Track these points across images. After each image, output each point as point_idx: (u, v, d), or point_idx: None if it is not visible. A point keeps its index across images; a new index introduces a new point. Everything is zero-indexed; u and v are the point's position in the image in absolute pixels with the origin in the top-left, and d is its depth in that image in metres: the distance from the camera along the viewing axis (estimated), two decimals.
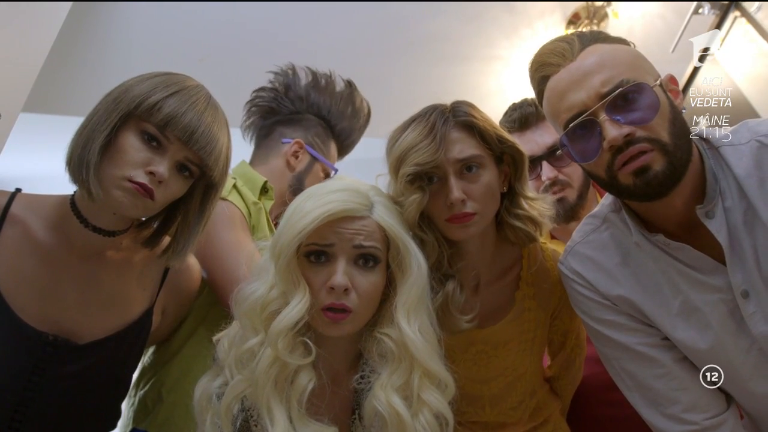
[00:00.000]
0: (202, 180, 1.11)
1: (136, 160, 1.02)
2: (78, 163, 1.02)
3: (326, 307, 0.96)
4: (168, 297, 1.23)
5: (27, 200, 1.11)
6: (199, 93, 1.08)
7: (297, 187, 1.62)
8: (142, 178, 1.02)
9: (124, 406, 1.41)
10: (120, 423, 1.37)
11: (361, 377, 1.03)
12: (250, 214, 1.44)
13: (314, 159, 1.67)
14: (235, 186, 1.45)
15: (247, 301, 0.99)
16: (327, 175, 1.69)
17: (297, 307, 0.95)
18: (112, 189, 1.02)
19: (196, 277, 1.28)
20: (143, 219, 1.17)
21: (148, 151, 1.03)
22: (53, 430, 1.08)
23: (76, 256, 1.10)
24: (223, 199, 1.39)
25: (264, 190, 1.54)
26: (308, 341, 0.97)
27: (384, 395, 0.96)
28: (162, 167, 1.02)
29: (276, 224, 1.64)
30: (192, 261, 1.27)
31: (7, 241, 1.07)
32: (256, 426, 1.00)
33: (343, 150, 1.80)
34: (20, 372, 1.04)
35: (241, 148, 1.66)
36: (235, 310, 1.01)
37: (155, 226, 1.17)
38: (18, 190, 1.12)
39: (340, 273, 0.96)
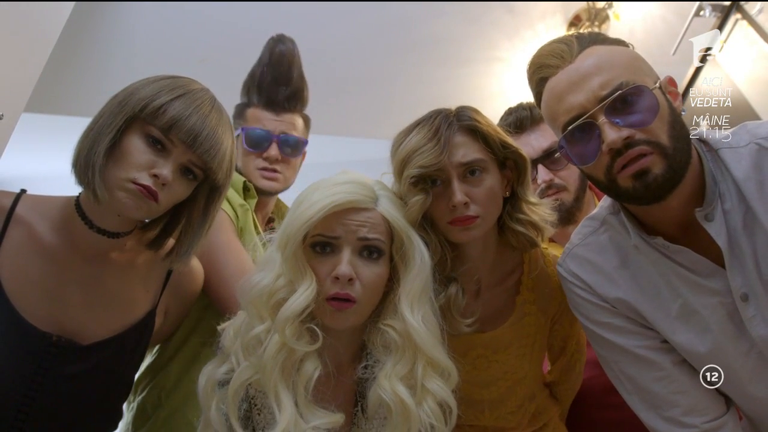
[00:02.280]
0: (206, 183, 1.11)
1: (141, 162, 1.03)
2: (84, 165, 1.03)
3: (331, 297, 0.98)
4: (171, 298, 1.23)
5: (32, 201, 1.12)
6: (204, 96, 1.09)
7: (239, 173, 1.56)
8: (146, 180, 1.02)
9: (123, 411, 1.41)
10: (120, 426, 1.37)
11: (365, 368, 1.05)
12: (237, 216, 1.44)
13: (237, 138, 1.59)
14: None
15: (253, 289, 1.00)
16: (251, 145, 1.56)
17: (304, 294, 0.97)
18: (116, 191, 1.02)
19: (199, 278, 1.28)
20: (147, 221, 1.17)
21: (153, 154, 1.04)
22: (56, 430, 1.09)
23: (80, 257, 1.11)
24: None
25: (245, 188, 1.54)
26: (315, 328, 0.99)
27: (388, 384, 0.98)
28: (166, 170, 1.03)
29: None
30: (195, 263, 1.27)
31: (12, 242, 1.08)
32: (259, 414, 1.02)
33: (274, 101, 1.58)
34: (24, 372, 1.04)
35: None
36: (241, 298, 1.03)
37: (159, 228, 1.18)
38: (23, 191, 1.13)
39: (345, 263, 0.98)
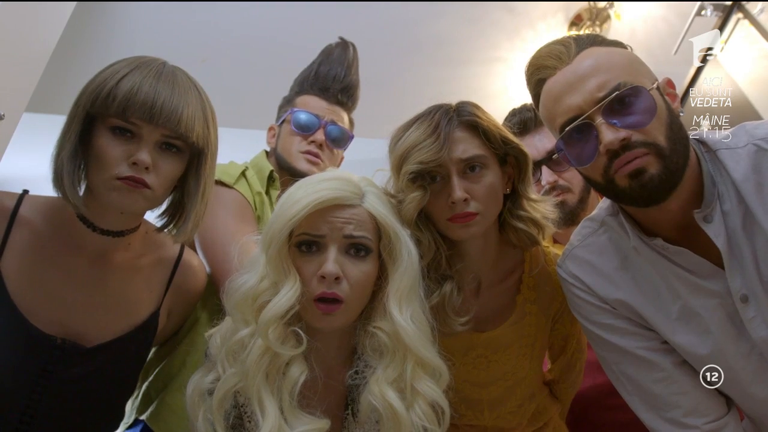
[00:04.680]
0: (194, 151, 1.09)
1: (115, 156, 1.01)
2: (55, 178, 1.03)
3: (318, 298, 0.96)
4: (174, 298, 1.23)
5: (35, 202, 1.11)
6: (149, 67, 1.05)
7: (279, 162, 1.58)
8: (127, 171, 1.01)
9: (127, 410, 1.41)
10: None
11: (356, 372, 1.03)
12: (255, 204, 1.44)
13: (281, 126, 1.63)
14: (243, 174, 1.45)
15: (238, 292, 0.99)
16: (299, 127, 1.57)
17: (287, 295, 0.95)
18: (107, 192, 1.02)
19: (202, 277, 1.28)
20: (163, 210, 1.15)
21: (124, 144, 1.02)
22: (60, 431, 1.09)
23: (84, 259, 1.10)
24: (231, 187, 1.39)
25: (270, 179, 1.53)
26: (300, 331, 0.97)
27: (378, 389, 0.97)
28: (143, 154, 1.01)
29: None
30: (197, 262, 1.27)
31: (16, 243, 1.07)
32: (249, 422, 1.00)
33: (328, 89, 1.62)
34: (28, 375, 1.04)
35: (244, 148, 1.66)
36: (226, 302, 1.01)
37: (170, 213, 1.15)
38: (25, 191, 1.12)
39: (331, 261, 0.96)
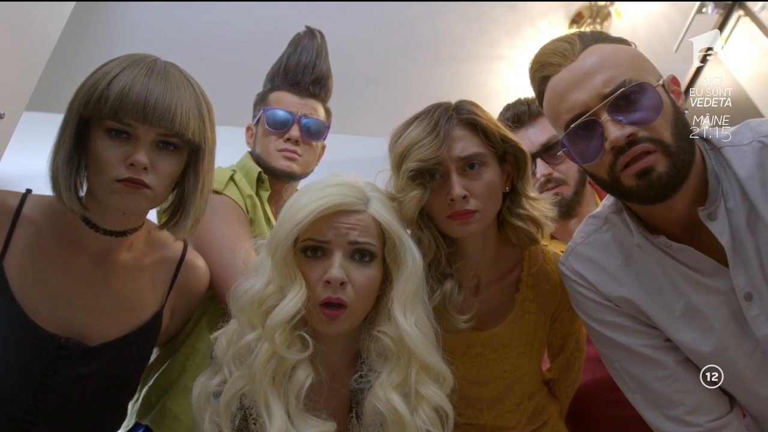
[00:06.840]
0: (193, 147, 1.08)
1: (113, 159, 1.01)
2: (52, 183, 1.03)
3: (323, 303, 0.97)
4: (177, 298, 1.23)
5: (38, 202, 1.11)
6: (139, 65, 1.03)
7: (259, 162, 1.57)
8: (125, 173, 1.00)
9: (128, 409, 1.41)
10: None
11: (360, 376, 1.03)
12: (247, 208, 1.43)
13: (256, 125, 1.62)
14: (232, 178, 1.44)
15: (244, 296, 0.99)
16: (272, 125, 1.56)
17: (293, 300, 0.96)
18: (108, 195, 1.02)
19: (205, 278, 1.28)
20: (165, 208, 1.15)
21: (121, 145, 1.01)
22: (63, 430, 1.09)
23: (87, 257, 1.10)
24: (220, 193, 1.38)
25: (260, 180, 1.52)
26: (305, 335, 0.97)
27: (383, 393, 0.97)
28: (139, 155, 1.00)
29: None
30: (201, 262, 1.27)
31: (20, 243, 1.07)
32: (255, 424, 1.00)
33: (299, 83, 1.59)
34: (32, 374, 1.04)
35: (245, 146, 1.66)
36: (232, 306, 1.02)
37: (171, 211, 1.14)
38: (29, 191, 1.12)
39: (336, 266, 0.97)
